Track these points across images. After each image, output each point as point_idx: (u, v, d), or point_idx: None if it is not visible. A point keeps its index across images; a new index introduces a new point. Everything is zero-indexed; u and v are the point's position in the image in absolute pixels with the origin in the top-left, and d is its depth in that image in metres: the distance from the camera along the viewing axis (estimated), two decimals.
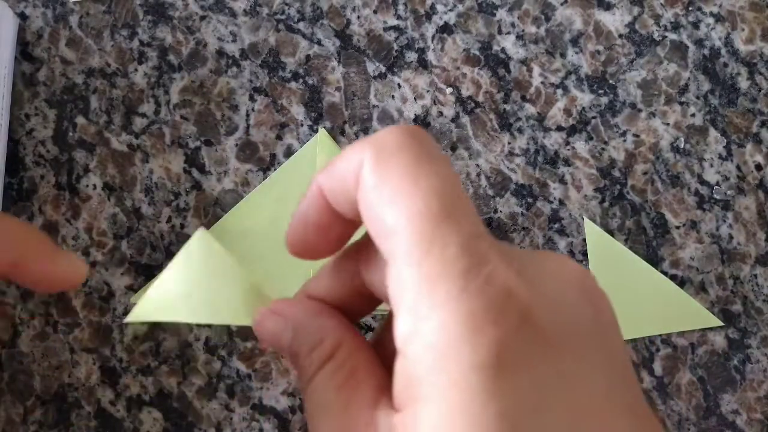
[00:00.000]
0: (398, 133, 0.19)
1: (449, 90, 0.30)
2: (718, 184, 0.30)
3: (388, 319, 0.25)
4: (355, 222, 0.21)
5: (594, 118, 0.30)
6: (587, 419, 0.16)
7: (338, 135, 0.29)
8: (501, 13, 0.31)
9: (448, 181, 0.18)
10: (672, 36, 0.31)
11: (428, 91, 0.30)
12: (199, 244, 0.25)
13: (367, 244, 0.23)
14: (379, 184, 0.18)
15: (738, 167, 0.30)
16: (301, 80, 0.30)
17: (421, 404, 0.16)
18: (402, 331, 0.17)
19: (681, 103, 0.30)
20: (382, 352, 0.24)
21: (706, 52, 0.31)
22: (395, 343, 0.18)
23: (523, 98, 0.30)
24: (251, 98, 0.29)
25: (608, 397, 0.17)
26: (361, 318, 0.26)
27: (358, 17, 0.30)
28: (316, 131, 0.29)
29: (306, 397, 0.21)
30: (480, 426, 0.15)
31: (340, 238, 0.22)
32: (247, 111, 0.29)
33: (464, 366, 0.16)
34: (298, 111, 0.30)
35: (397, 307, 0.18)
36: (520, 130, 0.30)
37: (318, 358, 0.21)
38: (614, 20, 0.31)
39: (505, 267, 0.17)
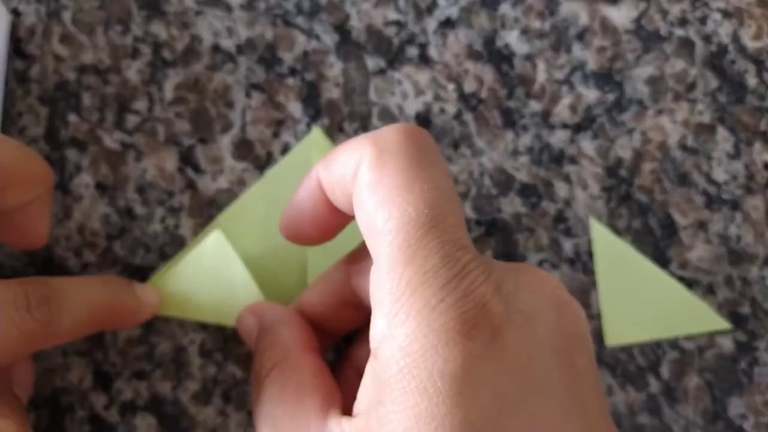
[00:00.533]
0: (400, 133, 0.19)
1: (451, 86, 0.30)
2: (726, 183, 0.29)
3: (363, 329, 0.25)
4: (349, 215, 0.21)
5: (600, 115, 0.30)
6: (545, 430, 0.17)
7: (337, 132, 0.29)
8: (504, 8, 0.30)
9: (441, 189, 0.18)
10: (679, 32, 0.30)
11: (430, 88, 0.29)
12: (213, 245, 0.26)
13: (359, 253, 0.23)
14: (374, 183, 0.18)
15: (746, 166, 0.29)
16: (298, 76, 0.29)
17: (387, 407, 0.17)
18: (377, 333, 0.18)
19: (689, 101, 0.30)
20: (355, 360, 0.25)
21: (713, 48, 0.30)
22: (370, 343, 0.18)
23: (528, 95, 0.30)
24: (247, 95, 0.29)
25: (568, 412, 0.17)
26: (350, 330, 0.26)
27: (358, 12, 0.30)
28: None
29: (254, 409, 0.22)
30: (445, 431, 0.16)
31: (334, 229, 0.23)
32: (243, 108, 0.29)
33: (435, 374, 0.16)
34: (295, 108, 0.29)
35: (375, 308, 0.18)
36: (524, 128, 0.29)
37: (267, 361, 0.22)
38: (620, 15, 0.30)
39: (483, 281, 0.17)
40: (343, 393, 0.21)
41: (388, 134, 0.19)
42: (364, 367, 0.22)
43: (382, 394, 0.17)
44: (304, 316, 0.25)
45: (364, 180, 0.19)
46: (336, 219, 0.22)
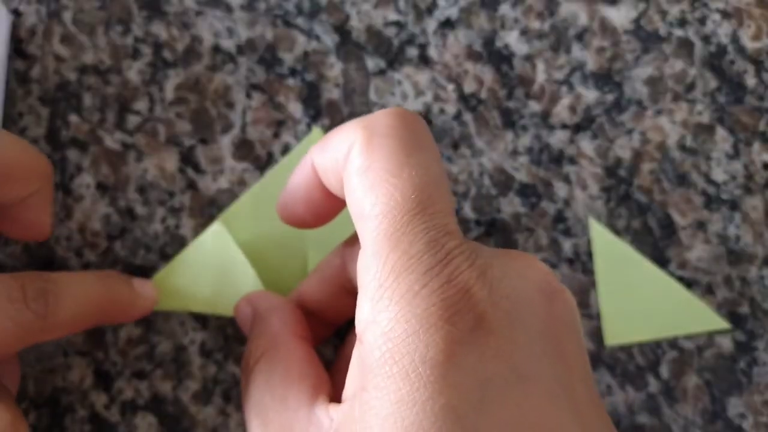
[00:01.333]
0: (391, 118, 0.19)
1: (451, 86, 0.30)
2: (725, 183, 0.29)
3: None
4: (343, 200, 0.21)
5: (599, 116, 0.30)
6: (530, 418, 0.16)
7: None
8: (504, 8, 0.30)
9: (429, 174, 0.18)
10: (678, 32, 0.30)
11: (429, 88, 0.29)
12: (213, 237, 0.26)
13: (352, 239, 0.24)
14: (364, 168, 0.18)
15: (745, 166, 0.29)
16: (298, 77, 0.29)
17: (370, 393, 0.17)
18: (362, 318, 0.18)
19: (688, 101, 0.30)
20: (350, 348, 0.25)
21: (712, 49, 0.30)
22: (356, 328, 0.18)
23: (527, 95, 0.30)
24: (248, 95, 0.29)
25: (556, 399, 0.17)
26: (349, 318, 0.26)
27: (358, 12, 0.30)
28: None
29: (243, 398, 0.22)
30: (427, 417, 0.16)
31: (329, 213, 0.23)
32: (244, 108, 0.29)
33: (416, 359, 0.16)
34: (295, 108, 0.29)
35: (361, 293, 0.18)
36: (523, 128, 0.29)
37: (255, 349, 0.22)
38: (619, 16, 0.30)
39: (467, 267, 0.17)
40: (338, 382, 0.21)
41: (380, 119, 0.19)
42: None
43: (366, 380, 0.17)
44: (303, 304, 0.25)
45: (354, 165, 0.19)
46: (330, 203, 0.22)
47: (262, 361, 0.22)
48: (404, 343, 0.17)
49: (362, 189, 0.18)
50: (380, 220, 0.18)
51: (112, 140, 0.28)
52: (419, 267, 0.17)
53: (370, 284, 0.18)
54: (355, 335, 0.25)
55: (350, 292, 0.24)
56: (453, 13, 0.30)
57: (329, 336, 0.27)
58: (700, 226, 0.29)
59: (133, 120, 0.29)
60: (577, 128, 0.29)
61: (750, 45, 0.30)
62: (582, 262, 0.28)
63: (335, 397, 0.20)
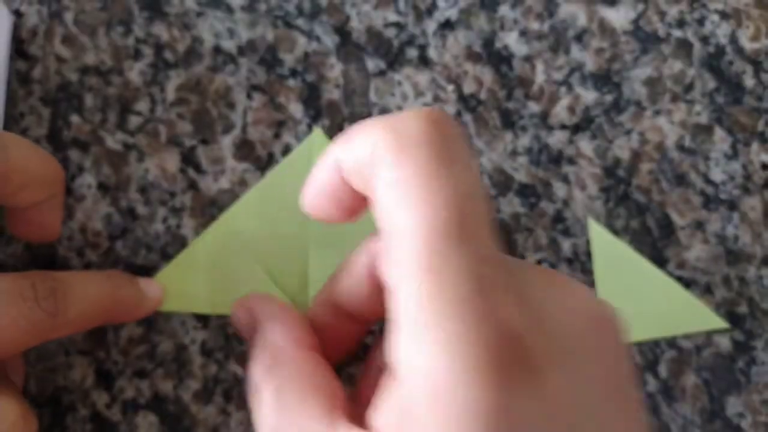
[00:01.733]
0: (422, 122, 0.18)
1: (451, 87, 0.30)
2: (723, 183, 0.29)
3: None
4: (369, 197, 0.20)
5: (598, 116, 0.30)
6: None
7: (337, 133, 0.29)
8: (504, 9, 0.30)
9: (464, 189, 0.17)
10: (677, 33, 0.30)
11: (429, 89, 0.30)
12: (214, 237, 0.26)
13: (379, 238, 0.22)
14: (394, 182, 0.17)
15: (743, 166, 0.29)
16: (299, 77, 0.29)
17: None
18: (398, 356, 0.17)
19: (686, 101, 0.30)
20: (380, 354, 0.24)
21: (711, 49, 0.30)
22: (387, 356, 0.18)
23: (526, 96, 0.30)
24: (248, 96, 0.29)
25: None
26: (382, 316, 0.25)
27: (358, 13, 0.30)
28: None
29: (257, 419, 0.21)
30: None
31: (355, 208, 0.21)
32: (244, 109, 0.29)
33: (461, 409, 0.15)
34: (296, 109, 0.29)
35: (396, 320, 0.17)
36: (523, 129, 0.29)
37: (260, 365, 0.21)
38: (618, 17, 0.30)
39: (510, 300, 0.16)
40: (361, 387, 0.21)
41: (408, 122, 0.18)
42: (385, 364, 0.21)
43: (407, 425, 0.16)
44: (333, 305, 0.24)
45: (384, 178, 0.17)
46: (358, 202, 0.20)
47: (269, 378, 0.20)
48: (449, 393, 0.15)
49: (392, 203, 0.17)
50: (412, 240, 0.16)
51: (113, 141, 0.29)
52: (456, 300, 0.16)
53: (405, 316, 0.16)
54: (380, 349, 0.24)
55: (384, 290, 0.23)
56: (453, 14, 0.30)
57: (365, 334, 0.26)
58: (699, 226, 0.29)
59: (134, 120, 0.29)
60: (576, 129, 0.30)
61: (748, 46, 0.30)
62: (581, 262, 0.28)
63: (353, 410, 0.19)
